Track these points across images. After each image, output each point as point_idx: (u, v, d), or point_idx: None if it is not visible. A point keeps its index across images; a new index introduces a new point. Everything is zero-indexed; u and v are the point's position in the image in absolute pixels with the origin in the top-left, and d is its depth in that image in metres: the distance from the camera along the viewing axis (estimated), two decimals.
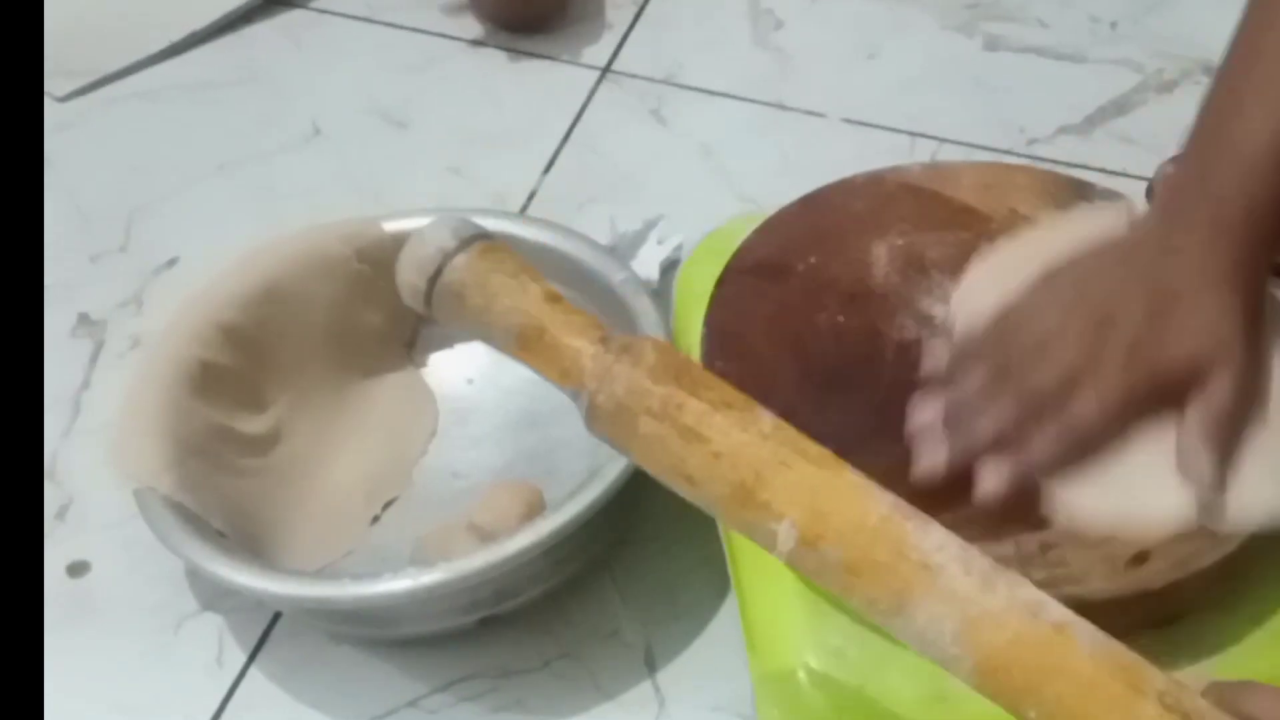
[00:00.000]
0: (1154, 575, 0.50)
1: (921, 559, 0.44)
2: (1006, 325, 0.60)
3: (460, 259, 0.50)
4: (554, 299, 0.50)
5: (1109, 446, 0.55)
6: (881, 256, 0.66)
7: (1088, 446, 0.55)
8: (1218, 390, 0.54)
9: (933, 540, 0.44)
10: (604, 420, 0.48)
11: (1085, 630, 0.42)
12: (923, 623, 0.43)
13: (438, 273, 0.50)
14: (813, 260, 0.66)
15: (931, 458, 0.57)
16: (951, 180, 0.68)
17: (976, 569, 0.44)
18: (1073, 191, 0.69)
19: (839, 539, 0.45)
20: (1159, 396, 0.55)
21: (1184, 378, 0.54)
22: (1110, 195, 0.68)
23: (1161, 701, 0.41)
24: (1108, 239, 0.60)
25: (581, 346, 0.49)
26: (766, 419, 0.47)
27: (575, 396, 0.49)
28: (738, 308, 0.64)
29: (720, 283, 0.65)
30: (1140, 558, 0.50)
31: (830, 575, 0.45)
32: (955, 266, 0.65)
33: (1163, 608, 0.52)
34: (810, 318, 0.64)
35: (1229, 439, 0.53)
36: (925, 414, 0.59)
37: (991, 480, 0.55)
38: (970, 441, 0.56)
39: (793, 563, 0.46)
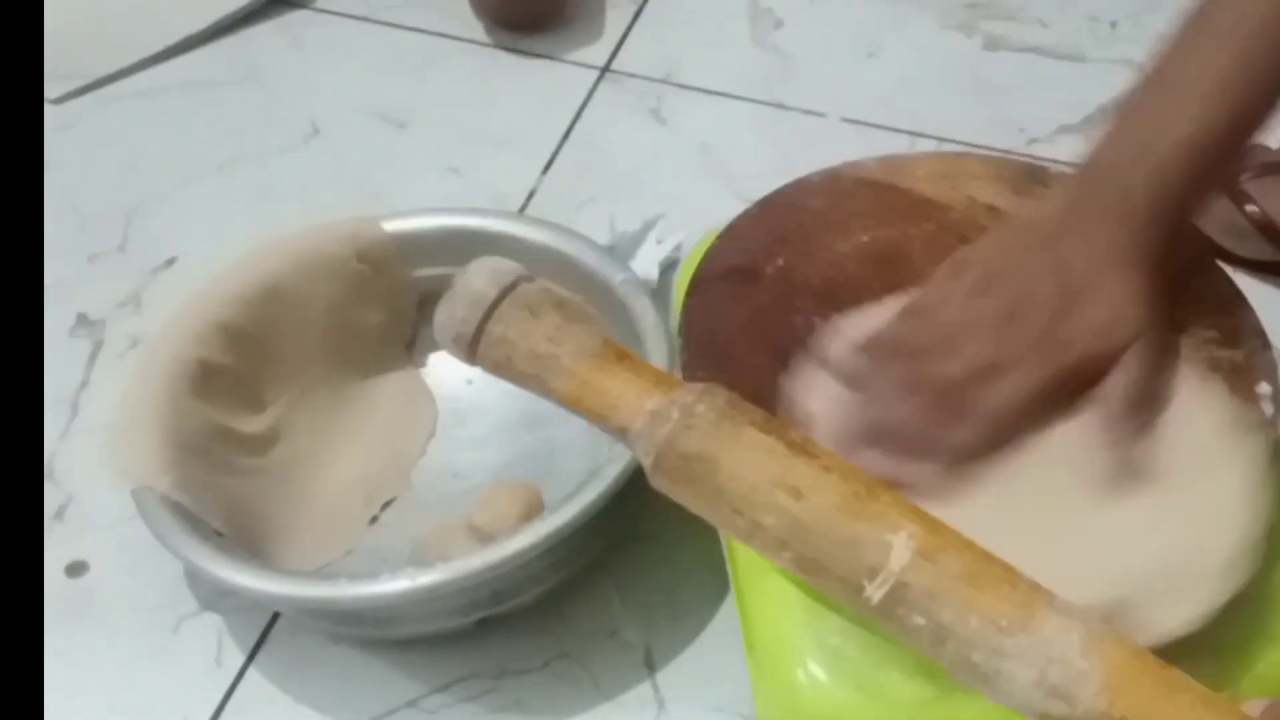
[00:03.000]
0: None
1: (1028, 574, 0.43)
2: (913, 319, 0.60)
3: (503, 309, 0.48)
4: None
5: (1024, 438, 0.56)
6: (848, 254, 0.66)
7: (1003, 437, 0.56)
8: (1133, 365, 0.56)
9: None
10: (697, 437, 0.45)
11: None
12: (1051, 635, 0.41)
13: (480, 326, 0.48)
14: (781, 263, 0.65)
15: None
16: (907, 172, 0.68)
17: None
18: (1027, 176, 0.67)
19: (959, 550, 0.43)
20: (1074, 384, 0.56)
21: (1100, 363, 0.56)
22: (1065, 179, 0.67)
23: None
24: (1014, 223, 0.61)
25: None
26: None
27: (630, 436, 0.46)
28: (713, 315, 0.63)
29: (691, 291, 0.64)
30: None
31: (947, 592, 0.42)
32: (922, 260, 0.65)
33: None
34: (785, 320, 0.64)
35: (1146, 406, 0.56)
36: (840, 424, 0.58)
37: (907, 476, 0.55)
38: (899, 443, 0.56)
39: (902, 579, 0.42)
